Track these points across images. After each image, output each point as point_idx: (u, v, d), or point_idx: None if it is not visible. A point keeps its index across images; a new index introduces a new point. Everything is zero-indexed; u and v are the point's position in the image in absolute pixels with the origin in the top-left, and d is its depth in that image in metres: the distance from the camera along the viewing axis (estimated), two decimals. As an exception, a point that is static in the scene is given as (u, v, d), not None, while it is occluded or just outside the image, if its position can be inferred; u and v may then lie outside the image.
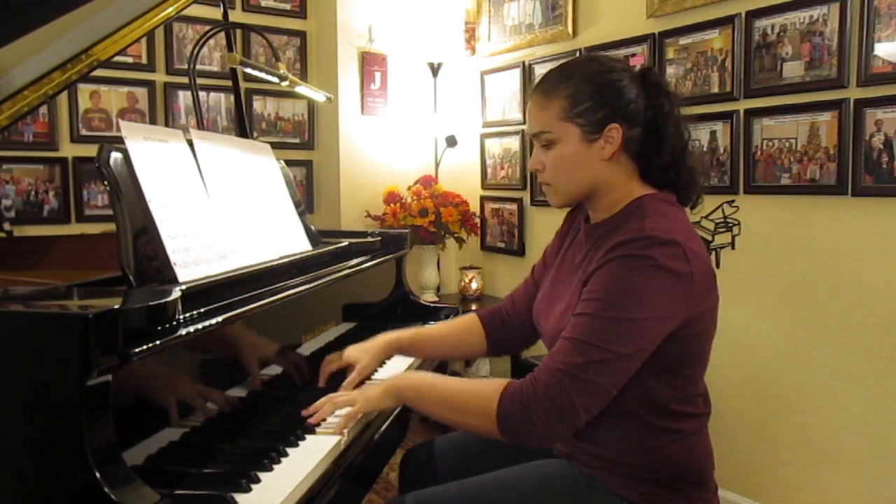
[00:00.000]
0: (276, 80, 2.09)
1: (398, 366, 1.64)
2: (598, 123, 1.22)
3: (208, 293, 1.16)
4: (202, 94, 3.11)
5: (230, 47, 2.09)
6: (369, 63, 3.36)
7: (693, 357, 1.22)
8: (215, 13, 2.63)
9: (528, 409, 1.10)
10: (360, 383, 1.41)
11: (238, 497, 0.96)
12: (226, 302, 1.17)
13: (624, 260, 1.13)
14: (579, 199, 1.30)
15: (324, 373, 1.46)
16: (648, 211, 1.19)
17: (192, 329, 1.03)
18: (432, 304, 2.15)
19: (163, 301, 0.97)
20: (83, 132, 2.91)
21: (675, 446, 1.21)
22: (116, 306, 0.89)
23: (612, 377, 1.11)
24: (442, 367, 1.86)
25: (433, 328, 1.64)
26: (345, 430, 1.21)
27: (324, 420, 1.25)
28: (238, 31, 3.10)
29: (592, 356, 1.10)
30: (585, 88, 1.22)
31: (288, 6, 3.39)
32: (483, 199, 3.58)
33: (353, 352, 1.46)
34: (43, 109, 2.78)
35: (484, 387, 1.18)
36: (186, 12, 2.06)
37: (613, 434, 1.22)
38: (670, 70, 2.56)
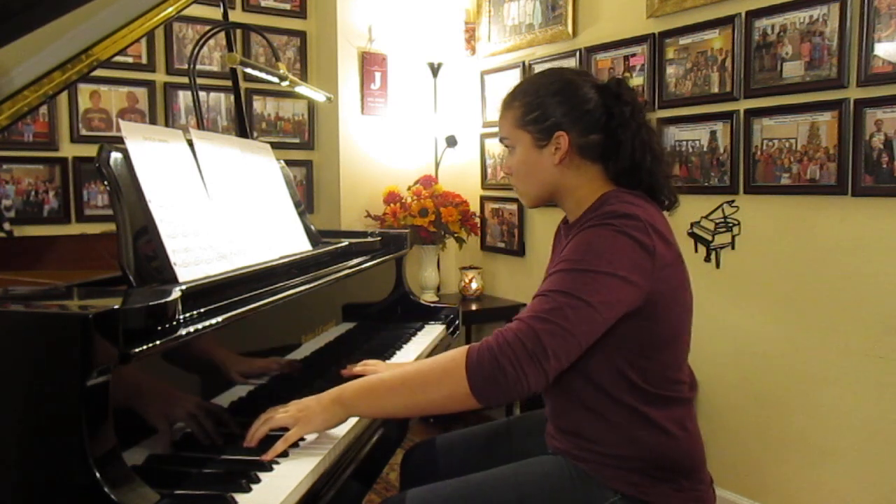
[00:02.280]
0: (276, 80, 2.09)
1: None
2: (546, 131, 1.31)
3: (208, 293, 1.16)
4: (202, 94, 3.11)
5: (230, 47, 2.09)
6: (369, 63, 3.36)
7: (664, 340, 1.24)
8: (215, 13, 2.64)
9: (496, 355, 1.11)
10: None
11: (238, 497, 0.96)
12: (226, 302, 1.17)
13: (589, 229, 1.21)
14: (543, 200, 1.38)
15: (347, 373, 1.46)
16: (614, 200, 1.25)
17: (192, 329, 1.03)
18: (432, 304, 2.14)
19: (163, 301, 0.97)
20: (83, 132, 2.91)
21: (662, 435, 1.23)
22: (116, 306, 0.89)
23: (580, 325, 1.13)
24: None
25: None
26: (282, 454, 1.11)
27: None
28: (238, 31, 3.10)
29: (560, 301, 1.13)
30: (536, 99, 1.32)
31: (288, 6, 3.39)
32: (483, 199, 3.58)
33: (382, 367, 1.47)
34: (43, 109, 2.78)
35: (445, 355, 1.20)
36: (186, 12, 2.07)
37: (601, 425, 1.24)
38: (670, 70, 2.56)
